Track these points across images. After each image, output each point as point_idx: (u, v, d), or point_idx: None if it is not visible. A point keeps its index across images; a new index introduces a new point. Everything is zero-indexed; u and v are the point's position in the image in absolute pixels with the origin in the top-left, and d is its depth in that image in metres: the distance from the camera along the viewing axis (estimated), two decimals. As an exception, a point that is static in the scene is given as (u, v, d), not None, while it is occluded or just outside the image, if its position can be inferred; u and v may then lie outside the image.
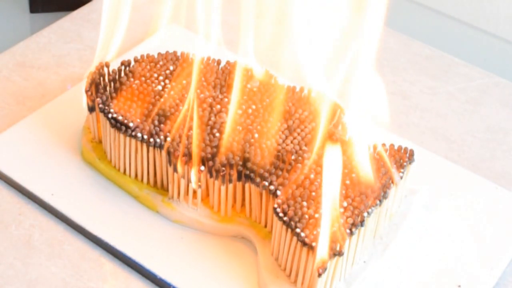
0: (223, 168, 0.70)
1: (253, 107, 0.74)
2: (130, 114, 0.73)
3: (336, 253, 0.64)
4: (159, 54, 0.78)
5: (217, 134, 0.71)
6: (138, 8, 0.89)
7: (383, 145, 0.71)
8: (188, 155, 0.70)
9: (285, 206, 0.66)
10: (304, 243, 0.64)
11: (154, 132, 0.71)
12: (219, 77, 0.77)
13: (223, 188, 0.70)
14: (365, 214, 0.66)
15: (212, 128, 0.72)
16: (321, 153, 0.70)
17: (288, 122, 0.73)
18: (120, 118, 0.72)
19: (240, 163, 0.70)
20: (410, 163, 0.72)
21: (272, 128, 0.72)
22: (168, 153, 0.71)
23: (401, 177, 0.71)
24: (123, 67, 0.76)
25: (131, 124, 0.72)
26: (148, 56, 0.78)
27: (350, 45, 0.66)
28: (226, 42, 0.76)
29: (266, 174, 0.69)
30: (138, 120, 0.72)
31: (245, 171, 0.69)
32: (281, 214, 0.66)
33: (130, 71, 0.76)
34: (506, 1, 1.02)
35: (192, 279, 0.69)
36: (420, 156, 0.76)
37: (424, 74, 0.93)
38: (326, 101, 0.70)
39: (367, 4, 0.65)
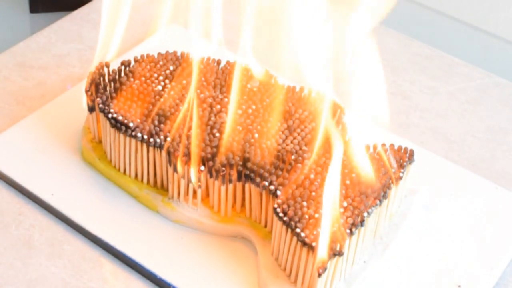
0: (223, 168, 0.70)
1: (253, 107, 0.74)
2: (130, 114, 0.73)
3: (336, 253, 0.64)
4: (159, 54, 0.78)
5: (217, 134, 0.71)
6: (138, 8, 0.89)
7: (383, 145, 0.71)
8: (188, 155, 0.70)
9: (285, 206, 0.66)
10: (304, 243, 0.64)
11: (154, 132, 0.71)
12: (219, 77, 0.77)
13: (223, 188, 0.70)
14: (365, 214, 0.66)
15: (212, 128, 0.72)
16: (321, 153, 0.70)
17: (288, 122, 0.73)
18: (120, 118, 0.72)
19: (240, 163, 0.70)
20: (410, 163, 0.72)
21: (272, 128, 0.72)
22: (168, 153, 0.71)
23: (401, 177, 0.71)
24: (123, 67, 0.76)
25: (131, 124, 0.72)
26: (148, 56, 0.78)
27: (350, 45, 0.66)
28: (226, 42, 0.76)
29: (266, 174, 0.69)
30: (138, 120, 0.72)
31: (245, 171, 0.69)
32: (281, 214, 0.66)
33: (130, 71, 0.76)
34: (506, 1, 1.02)
35: (192, 279, 0.69)
36: (420, 156, 0.76)
37: (424, 74, 0.93)
38: (326, 101, 0.70)
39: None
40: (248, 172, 0.69)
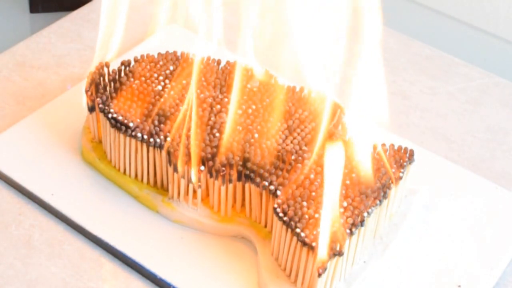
0: (223, 168, 0.70)
1: (253, 107, 0.74)
2: (130, 114, 0.73)
3: (336, 253, 0.64)
4: (159, 54, 0.78)
5: (217, 134, 0.71)
6: (138, 8, 0.89)
7: (383, 145, 0.71)
8: (188, 155, 0.70)
9: (285, 206, 0.66)
10: (304, 243, 0.64)
11: (154, 132, 0.71)
12: (219, 77, 0.77)
13: (223, 188, 0.70)
14: (365, 214, 0.66)
15: (212, 128, 0.72)
16: (321, 153, 0.70)
17: (288, 122, 0.73)
18: (120, 118, 0.72)
19: (240, 163, 0.70)
20: (410, 163, 0.72)
21: (272, 128, 0.72)
22: (168, 153, 0.71)
23: (401, 177, 0.71)
24: (123, 67, 0.76)
25: (131, 124, 0.72)
26: (148, 56, 0.78)
27: (350, 45, 0.66)
28: (226, 42, 0.76)
29: (266, 174, 0.69)
30: (138, 120, 0.72)
31: (245, 171, 0.69)
32: (281, 214, 0.66)
33: (130, 71, 0.76)
34: (506, 1, 1.02)
35: (192, 279, 0.69)
36: (420, 156, 0.76)
37: (424, 74, 0.93)
38: (326, 101, 0.70)
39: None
40: (248, 172, 0.69)
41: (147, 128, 0.72)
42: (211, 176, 0.70)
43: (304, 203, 0.66)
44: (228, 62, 0.78)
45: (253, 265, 0.70)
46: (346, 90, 0.69)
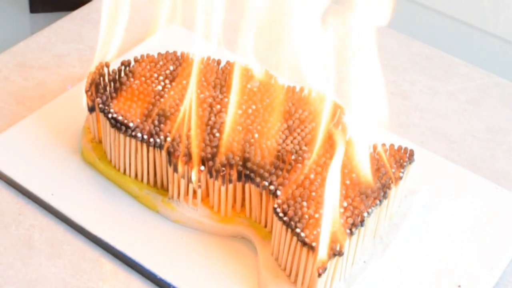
0: (223, 168, 0.70)
1: (253, 107, 0.74)
2: (130, 114, 0.73)
3: (336, 253, 0.64)
4: (159, 54, 0.78)
5: (217, 134, 0.71)
6: (138, 8, 0.89)
7: (383, 145, 0.71)
8: (188, 155, 0.70)
9: (285, 206, 0.66)
10: (304, 243, 0.64)
11: (154, 132, 0.71)
12: (219, 77, 0.77)
13: (223, 188, 0.70)
14: (365, 214, 0.66)
15: (212, 128, 0.72)
16: (321, 153, 0.70)
17: (288, 122, 0.73)
18: (120, 118, 0.72)
19: (240, 163, 0.70)
20: (410, 163, 0.72)
21: (272, 128, 0.72)
22: (168, 153, 0.71)
23: (401, 177, 0.71)
24: (123, 67, 0.76)
25: (131, 124, 0.72)
26: (148, 56, 0.78)
27: (350, 45, 0.66)
28: (226, 42, 0.76)
29: (266, 174, 0.69)
30: (138, 120, 0.72)
31: (245, 171, 0.69)
32: (281, 214, 0.66)
33: (130, 71, 0.76)
34: (506, 1, 1.02)
35: (192, 279, 0.69)
36: (420, 156, 0.76)
37: (424, 74, 0.93)
38: (326, 101, 0.70)
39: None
40: (248, 172, 0.69)
41: (147, 128, 0.72)
42: (211, 176, 0.70)
43: (304, 203, 0.66)
44: (228, 62, 0.78)
45: (253, 265, 0.70)
46: (346, 90, 0.69)
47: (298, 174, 0.69)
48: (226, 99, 0.74)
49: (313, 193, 0.67)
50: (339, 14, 0.66)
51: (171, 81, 0.76)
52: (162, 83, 0.76)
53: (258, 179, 0.69)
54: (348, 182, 0.68)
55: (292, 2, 0.68)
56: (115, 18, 0.77)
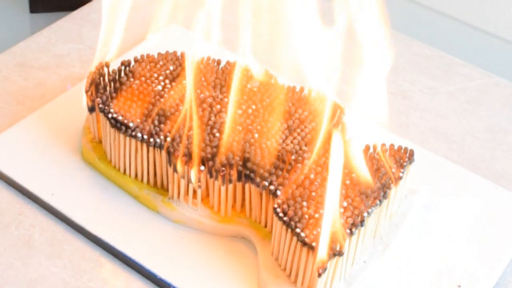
0: (223, 168, 0.70)
1: (253, 107, 0.74)
2: (130, 114, 0.73)
3: (336, 253, 0.64)
4: (159, 54, 0.78)
5: (217, 134, 0.71)
6: (138, 8, 0.89)
7: (383, 145, 0.71)
8: (188, 155, 0.70)
9: (285, 206, 0.66)
10: (304, 243, 0.64)
11: (154, 132, 0.71)
12: (219, 77, 0.77)
13: (223, 188, 0.70)
14: (365, 214, 0.66)
15: (212, 128, 0.72)
16: (321, 153, 0.70)
17: (288, 122, 0.73)
18: (120, 118, 0.72)
19: (240, 163, 0.70)
20: (410, 163, 0.72)
21: (272, 128, 0.72)
22: (168, 153, 0.71)
23: (401, 177, 0.71)
24: (123, 67, 0.76)
25: (131, 124, 0.72)
26: (148, 56, 0.78)
27: (349, 44, 0.66)
28: (226, 42, 0.76)
29: (266, 174, 0.69)
30: (138, 120, 0.72)
31: (245, 171, 0.69)
32: (281, 214, 0.66)
33: (130, 71, 0.76)
34: (506, 1, 1.02)
35: (192, 279, 0.69)
36: (420, 156, 0.76)
37: (424, 74, 0.93)
38: (326, 101, 0.70)
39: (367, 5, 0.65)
40: (248, 172, 0.69)
41: (147, 128, 0.72)
42: (211, 176, 0.70)
43: (304, 203, 0.66)
44: (228, 62, 0.78)
45: (253, 265, 0.70)
46: (346, 90, 0.69)
47: (298, 174, 0.69)
48: (226, 99, 0.74)
49: (313, 193, 0.67)
50: (339, 14, 0.66)
51: (171, 81, 0.76)
52: (162, 83, 0.76)
53: (258, 179, 0.69)
54: (348, 182, 0.68)
55: (292, 2, 0.68)
56: (115, 18, 0.77)
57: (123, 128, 0.72)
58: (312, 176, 0.68)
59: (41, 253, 0.71)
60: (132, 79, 0.76)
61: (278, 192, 0.68)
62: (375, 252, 0.71)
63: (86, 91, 0.74)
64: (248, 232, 0.71)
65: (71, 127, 0.80)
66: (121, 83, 0.75)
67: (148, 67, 0.77)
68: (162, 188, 0.74)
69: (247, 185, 0.70)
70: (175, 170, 0.71)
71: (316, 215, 0.65)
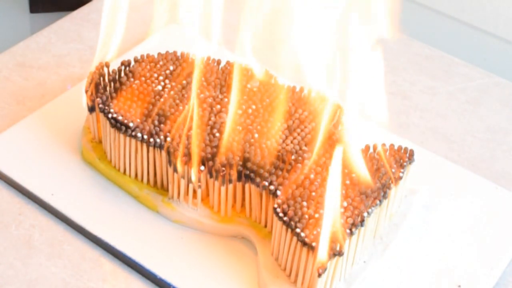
0: (223, 168, 0.70)
1: (253, 107, 0.74)
2: (130, 114, 0.73)
3: (336, 253, 0.64)
4: (159, 54, 0.78)
5: (217, 134, 0.71)
6: (138, 8, 0.89)
7: (383, 145, 0.71)
8: (188, 155, 0.70)
9: (285, 206, 0.66)
10: (304, 243, 0.64)
11: (154, 132, 0.71)
12: (219, 77, 0.77)
13: (223, 188, 0.70)
14: (365, 214, 0.66)
15: (212, 128, 0.72)
16: (321, 153, 0.70)
17: (288, 122, 0.73)
18: (120, 118, 0.72)
19: (240, 163, 0.70)
20: (410, 163, 0.72)
21: (272, 128, 0.72)
22: (168, 153, 0.71)
23: (401, 177, 0.71)
24: (123, 67, 0.76)
25: (131, 124, 0.72)
26: (148, 56, 0.78)
27: (349, 45, 0.66)
28: (226, 42, 0.76)
29: (266, 174, 0.69)
30: (138, 120, 0.72)
31: (245, 171, 0.69)
32: (281, 214, 0.66)
33: (130, 71, 0.76)
34: (506, 1, 1.02)
35: (192, 279, 0.69)
36: (420, 156, 0.76)
37: (424, 74, 0.93)
38: (326, 101, 0.70)
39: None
40: (248, 172, 0.69)
41: (147, 128, 0.72)
42: (211, 176, 0.70)
43: (304, 203, 0.66)
44: (228, 62, 0.78)
45: (253, 265, 0.70)
46: (346, 90, 0.69)
47: (298, 174, 0.69)
48: (226, 99, 0.74)
49: (313, 193, 0.67)
50: (339, 14, 0.66)
51: (171, 81, 0.76)
52: (162, 83, 0.76)
53: (258, 179, 0.69)
54: (348, 182, 0.68)
55: (292, 2, 0.68)
56: (115, 18, 0.77)
57: (123, 128, 0.72)
58: (312, 176, 0.68)
59: (41, 253, 0.71)
60: (132, 79, 0.76)
61: (278, 192, 0.68)
62: (375, 252, 0.71)
63: (86, 91, 0.74)
64: (248, 232, 0.71)
65: (71, 127, 0.80)
66: (121, 83, 0.75)
67: (148, 67, 0.77)
68: (162, 188, 0.74)
69: (247, 185, 0.70)
70: (175, 170, 0.71)
71: (316, 215, 0.65)
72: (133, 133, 0.71)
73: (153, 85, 0.75)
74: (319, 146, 0.70)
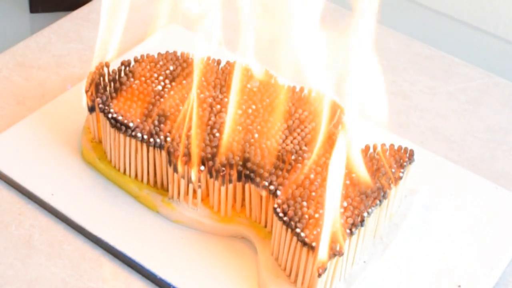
0: (223, 168, 0.70)
1: (253, 107, 0.74)
2: (130, 114, 0.73)
3: (336, 253, 0.64)
4: (159, 54, 0.78)
5: (217, 134, 0.71)
6: (138, 8, 0.89)
7: (383, 145, 0.71)
8: (188, 155, 0.70)
9: (285, 206, 0.66)
10: (304, 243, 0.64)
11: (154, 132, 0.71)
12: (219, 77, 0.77)
13: (223, 188, 0.70)
14: (365, 214, 0.66)
15: (212, 128, 0.72)
16: (321, 153, 0.70)
17: (288, 122, 0.73)
18: (120, 118, 0.72)
19: (240, 163, 0.70)
20: (410, 163, 0.72)
21: (272, 128, 0.72)
22: (168, 153, 0.71)
23: (401, 177, 0.71)
24: (123, 67, 0.76)
25: (131, 124, 0.72)
26: (148, 56, 0.78)
27: (349, 44, 0.66)
28: (226, 42, 0.76)
29: (266, 174, 0.69)
30: (138, 120, 0.72)
31: (245, 171, 0.69)
32: (281, 214, 0.66)
33: (130, 71, 0.76)
34: (506, 1, 1.02)
35: (192, 279, 0.69)
36: (420, 156, 0.76)
37: (424, 74, 0.93)
38: (326, 101, 0.70)
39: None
40: (248, 172, 0.69)
41: (147, 128, 0.72)
42: (211, 176, 0.70)
43: (304, 203, 0.66)
44: (228, 62, 0.78)
45: (253, 265, 0.70)
46: (346, 90, 0.69)
47: (298, 174, 0.69)
48: (226, 99, 0.74)
49: (313, 193, 0.67)
50: (338, 14, 0.66)
51: (171, 81, 0.76)
52: (162, 83, 0.76)
53: (258, 179, 0.69)
54: (348, 182, 0.68)
55: (292, 2, 0.68)
56: (114, 18, 0.77)
57: (123, 128, 0.72)
58: (312, 176, 0.68)
59: (41, 253, 0.71)
60: (132, 79, 0.76)
61: (278, 192, 0.68)
62: (375, 252, 0.71)
63: (86, 91, 0.74)
64: (248, 232, 0.71)
65: (71, 127, 0.80)
66: (121, 83, 0.75)
67: (148, 67, 0.77)
68: (162, 188, 0.74)
69: (247, 185, 0.70)
70: (175, 170, 0.71)
71: (316, 215, 0.65)
72: (133, 133, 0.71)
73: (153, 85, 0.75)
74: (319, 146, 0.70)
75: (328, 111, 0.70)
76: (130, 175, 0.74)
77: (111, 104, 0.73)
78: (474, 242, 0.74)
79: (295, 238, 0.65)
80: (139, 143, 0.72)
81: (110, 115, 0.72)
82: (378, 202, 0.68)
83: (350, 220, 0.66)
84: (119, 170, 0.75)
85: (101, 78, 0.75)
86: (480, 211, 0.76)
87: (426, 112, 0.88)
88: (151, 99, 0.74)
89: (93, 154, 0.76)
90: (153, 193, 0.74)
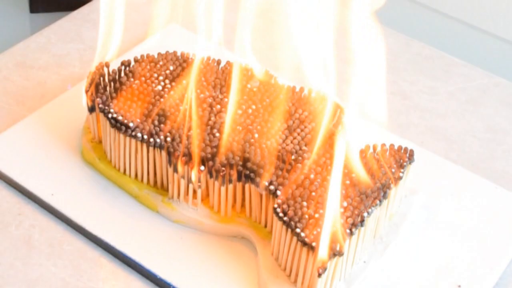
0: (223, 168, 0.70)
1: (253, 107, 0.74)
2: (130, 114, 0.73)
3: (336, 253, 0.64)
4: (159, 54, 0.78)
5: (217, 134, 0.71)
6: (138, 8, 0.89)
7: (383, 145, 0.71)
8: (188, 155, 0.70)
9: (285, 206, 0.66)
10: (304, 243, 0.64)
11: (154, 132, 0.71)
12: (219, 77, 0.77)
13: (223, 188, 0.70)
14: (365, 214, 0.66)
15: (212, 128, 0.72)
16: (321, 153, 0.70)
17: (288, 122, 0.73)
18: (120, 118, 0.72)
19: (240, 163, 0.70)
20: (410, 163, 0.72)
21: (272, 128, 0.72)
22: (168, 153, 0.71)
23: (401, 177, 0.71)
24: (123, 67, 0.76)
25: (131, 124, 0.72)
26: (148, 56, 0.78)
27: (349, 44, 0.66)
28: (226, 42, 0.76)
29: (266, 174, 0.69)
30: (138, 120, 0.72)
31: (245, 171, 0.69)
32: (281, 214, 0.66)
33: (130, 71, 0.76)
34: (506, 1, 1.02)
35: (192, 279, 0.69)
36: (420, 156, 0.76)
37: (424, 74, 0.93)
38: (326, 101, 0.70)
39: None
40: (248, 172, 0.69)
41: (147, 128, 0.72)
42: (211, 176, 0.70)
43: (304, 203, 0.66)
44: (228, 62, 0.78)
45: (253, 265, 0.70)
46: (346, 90, 0.69)
47: (298, 174, 0.69)
48: (226, 99, 0.74)
49: (313, 193, 0.67)
50: (339, 14, 0.66)
51: (171, 81, 0.76)
52: (162, 83, 0.76)
53: (258, 179, 0.69)
54: (348, 182, 0.68)
55: (292, 2, 0.68)
56: (114, 18, 0.77)
57: (123, 128, 0.72)
58: (312, 176, 0.68)
59: (41, 253, 0.71)
60: (132, 79, 0.76)
61: (278, 192, 0.68)
62: (375, 252, 0.71)
63: (86, 91, 0.74)
64: (248, 232, 0.71)
65: (71, 127, 0.80)
66: (121, 83, 0.75)
67: (148, 67, 0.77)
68: (162, 188, 0.74)
69: (247, 185, 0.70)
70: (175, 170, 0.71)
71: (316, 215, 0.65)
72: (133, 133, 0.71)
73: (153, 85, 0.75)
74: (319, 146, 0.70)
75: (328, 111, 0.70)
76: (130, 175, 0.74)
77: (111, 104, 0.73)
78: (474, 242, 0.74)
79: (295, 238, 0.65)
80: (139, 143, 0.72)
81: (110, 115, 0.72)
82: (378, 202, 0.68)
83: (350, 220, 0.66)
84: (119, 170, 0.75)
85: (101, 78, 0.75)
86: (480, 211, 0.76)
87: (426, 112, 0.88)
88: (151, 99, 0.74)
89: (93, 154, 0.76)
90: (153, 193, 0.74)
